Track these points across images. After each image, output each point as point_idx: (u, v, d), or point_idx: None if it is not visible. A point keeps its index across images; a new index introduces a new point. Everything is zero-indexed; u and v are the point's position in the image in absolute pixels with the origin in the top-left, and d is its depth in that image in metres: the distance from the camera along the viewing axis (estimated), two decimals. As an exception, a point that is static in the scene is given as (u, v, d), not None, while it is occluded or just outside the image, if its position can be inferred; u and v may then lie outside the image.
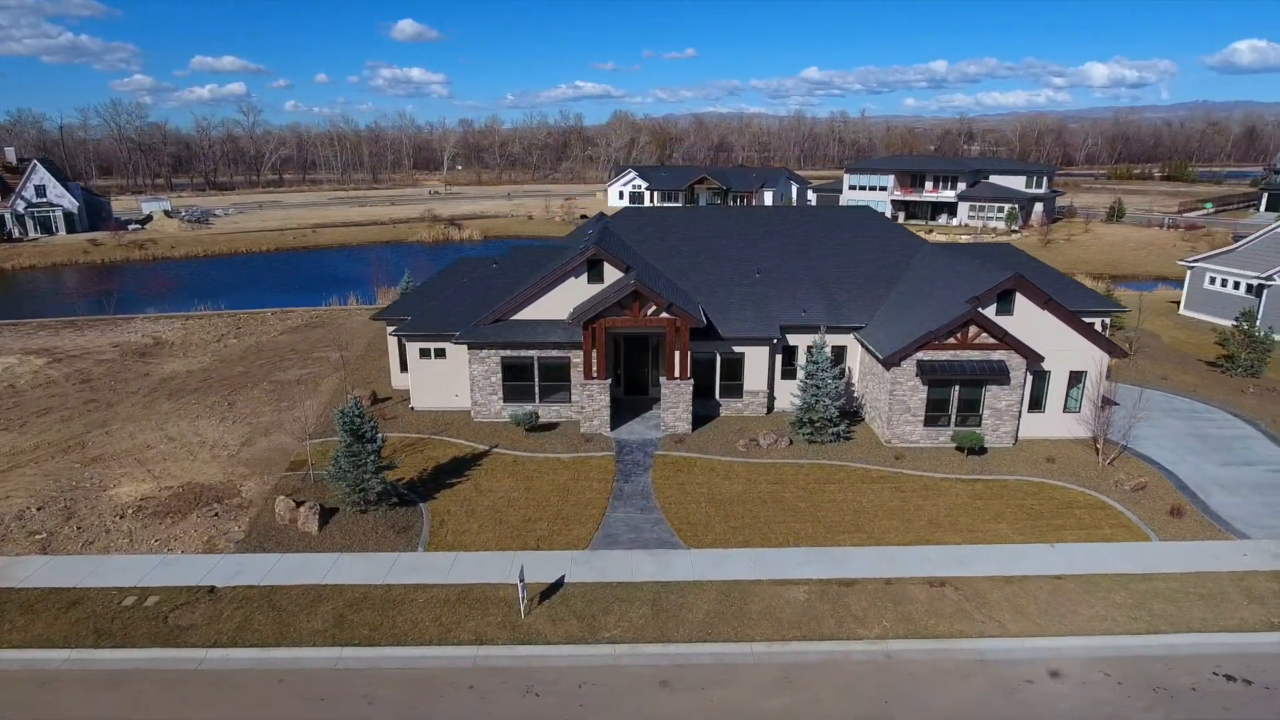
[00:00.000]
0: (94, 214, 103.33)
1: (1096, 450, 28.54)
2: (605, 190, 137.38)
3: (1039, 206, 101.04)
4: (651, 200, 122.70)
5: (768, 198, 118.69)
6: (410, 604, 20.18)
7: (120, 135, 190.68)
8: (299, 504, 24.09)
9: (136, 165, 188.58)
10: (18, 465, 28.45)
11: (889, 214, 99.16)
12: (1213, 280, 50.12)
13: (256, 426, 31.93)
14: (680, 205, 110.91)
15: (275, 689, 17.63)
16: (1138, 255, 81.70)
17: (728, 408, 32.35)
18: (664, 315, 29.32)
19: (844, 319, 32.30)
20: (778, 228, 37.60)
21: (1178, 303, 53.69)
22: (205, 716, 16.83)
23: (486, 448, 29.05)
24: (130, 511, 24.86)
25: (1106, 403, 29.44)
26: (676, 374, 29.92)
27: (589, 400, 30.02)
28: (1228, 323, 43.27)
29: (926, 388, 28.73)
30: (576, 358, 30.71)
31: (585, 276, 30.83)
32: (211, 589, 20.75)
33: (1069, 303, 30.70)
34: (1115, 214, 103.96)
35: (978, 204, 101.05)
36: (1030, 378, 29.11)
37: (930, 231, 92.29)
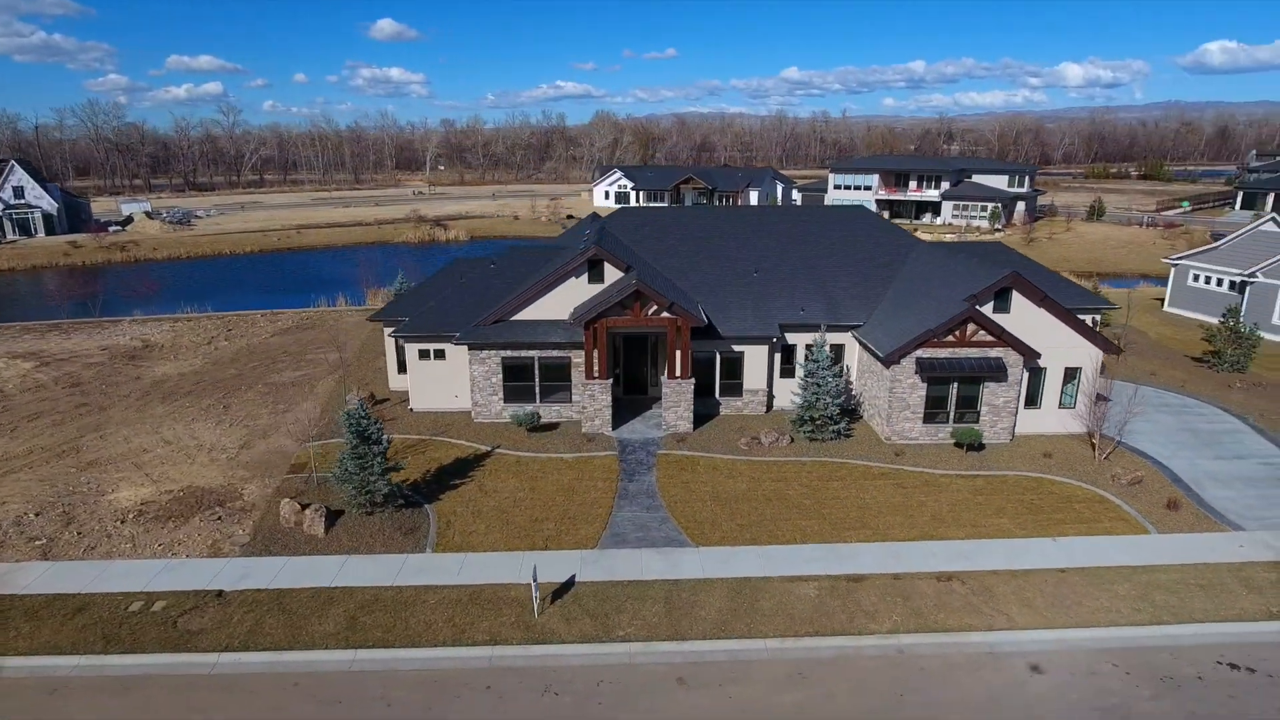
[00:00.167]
0: (73, 215, 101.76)
1: (1092, 445, 28.97)
2: (591, 190, 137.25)
3: (1021, 205, 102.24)
4: (637, 200, 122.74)
5: (753, 197, 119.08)
6: (422, 605, 20.12)
7: (97, 135, 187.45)
8: (304, 506, 23.93)
9: (114, 166, 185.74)
10: (11, 470, 28.01)
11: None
12: (1196, 277, 51.01)
13: (254, 429, 31.67)
14: (670, 205, 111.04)
15: (290, 692, 17.53)
16: (1119, 253, 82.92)
17: (728, 406, 32.52)
18: (665, 315, 29.42)
19: (842, 317, 32.56)
20: (772, 227, 37.80)
21: (1162, 300, 54.61)
22: (220, 721, 16.72)
23: (489, 448, 29.01)
24: (131, 516, 24.58)
25: (1101, 398, 29.90)
26: (678, 373, 30.03)
27: (590, 400, 30.05)
28: (1212, 319, 44.08)
29: (925, 385, 29.04)
30: (577, 358, 30.74)
31: (586, 276, 30.87)
32: (220, 593, 20.57)
33: (1061, 300, 31.06)
34: (1096, 213, 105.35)
35: (961, 203, 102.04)
36: (1027, 374, 29.49)
37: (915, 230, 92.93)
